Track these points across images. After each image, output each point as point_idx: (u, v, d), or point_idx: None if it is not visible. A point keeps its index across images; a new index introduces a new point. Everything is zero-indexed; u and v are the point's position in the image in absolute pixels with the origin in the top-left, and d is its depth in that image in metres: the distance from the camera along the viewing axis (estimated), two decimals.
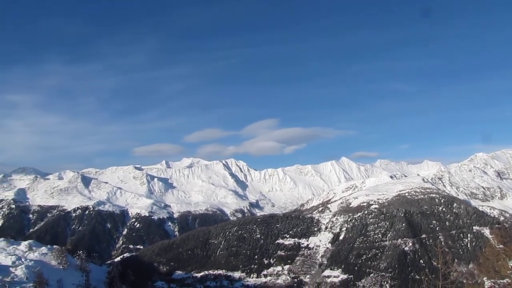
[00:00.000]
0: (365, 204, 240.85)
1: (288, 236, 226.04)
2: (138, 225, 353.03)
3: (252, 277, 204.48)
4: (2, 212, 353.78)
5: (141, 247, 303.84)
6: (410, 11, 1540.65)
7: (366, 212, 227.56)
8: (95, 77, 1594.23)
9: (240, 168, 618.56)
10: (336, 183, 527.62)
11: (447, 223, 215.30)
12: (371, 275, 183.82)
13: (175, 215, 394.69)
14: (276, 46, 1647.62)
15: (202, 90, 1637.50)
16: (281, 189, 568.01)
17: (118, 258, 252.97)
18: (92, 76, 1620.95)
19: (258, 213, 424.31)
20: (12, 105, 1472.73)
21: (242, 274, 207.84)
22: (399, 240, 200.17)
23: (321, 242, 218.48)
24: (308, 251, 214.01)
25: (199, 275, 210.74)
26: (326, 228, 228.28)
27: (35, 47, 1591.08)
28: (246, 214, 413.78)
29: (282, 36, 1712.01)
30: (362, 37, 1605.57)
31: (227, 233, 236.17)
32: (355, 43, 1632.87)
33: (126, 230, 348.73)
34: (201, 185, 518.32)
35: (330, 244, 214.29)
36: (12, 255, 66.33)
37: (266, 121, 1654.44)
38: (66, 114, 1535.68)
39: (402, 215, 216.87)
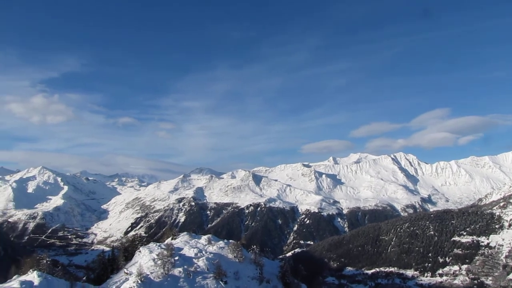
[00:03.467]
0: None
1: (465, 233, 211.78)
2: (308, 221, 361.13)
3: (426, 276, 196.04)
4: (184, 209, 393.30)
5: (311, 242, 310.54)
6: None
7: None
8: (261, 78, 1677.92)
9: (410, 162, 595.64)
10: None
11: None
12: None
13: (344, 211, 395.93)
14: (439, 31, 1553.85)
15: (366, 83, 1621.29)
16: (455, 182, 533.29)
17: (290, 253, 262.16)
18: (258, 78, 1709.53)
19: (431, 208, 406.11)
20: (188, 111, 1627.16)
21: (415, 272, 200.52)
22: None
23: (504, 241, 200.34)
24: (489, 251, 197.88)
25: (369, 272, 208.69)
26: (510, 225, 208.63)
27: (204, 55, 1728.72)
28: (417, 210, 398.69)
29: (445, 20, 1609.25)
30: None
31: (398, 229, 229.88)
32: None
33: (296, 226, 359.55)
34: (369, 180, 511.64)
35: None
36: (194, 248, 72.87)
37: (437, 111, 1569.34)
38: (236, 116, 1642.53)
39: None
